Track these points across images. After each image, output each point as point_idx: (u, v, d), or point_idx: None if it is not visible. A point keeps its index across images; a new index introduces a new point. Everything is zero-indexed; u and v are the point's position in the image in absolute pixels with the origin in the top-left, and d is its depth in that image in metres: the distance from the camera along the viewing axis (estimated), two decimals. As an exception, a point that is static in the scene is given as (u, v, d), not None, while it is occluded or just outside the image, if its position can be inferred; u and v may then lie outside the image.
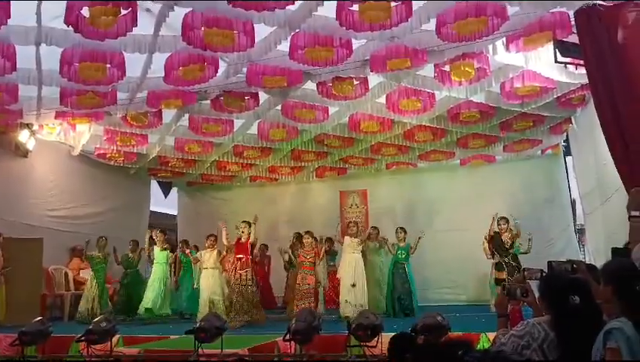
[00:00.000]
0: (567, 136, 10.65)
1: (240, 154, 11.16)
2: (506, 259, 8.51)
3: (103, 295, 9.61)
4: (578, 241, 11.44)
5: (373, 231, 9.78)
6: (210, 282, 9.08)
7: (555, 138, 10.82)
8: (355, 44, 6.60)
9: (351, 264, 8.88)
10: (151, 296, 9.33)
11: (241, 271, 8.57)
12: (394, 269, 9.47)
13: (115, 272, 10.36)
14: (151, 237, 10.12)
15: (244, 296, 8.46)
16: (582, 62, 5.92)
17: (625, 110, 5.18)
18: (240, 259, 8.65)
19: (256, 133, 9.82)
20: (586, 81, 6.52)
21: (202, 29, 5.96)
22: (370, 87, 7.94)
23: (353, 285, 8.62)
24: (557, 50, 6.11)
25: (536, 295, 3.11)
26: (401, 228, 9.68)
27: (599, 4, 5.44)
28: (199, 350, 5.17)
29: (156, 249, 9.75)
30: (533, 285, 3.21)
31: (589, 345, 2.36)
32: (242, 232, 8.73)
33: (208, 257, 9.28)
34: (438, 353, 1.66)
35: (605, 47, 5.32)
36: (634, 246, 2.49)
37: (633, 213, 2.57)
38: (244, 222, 8.85)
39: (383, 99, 8.51)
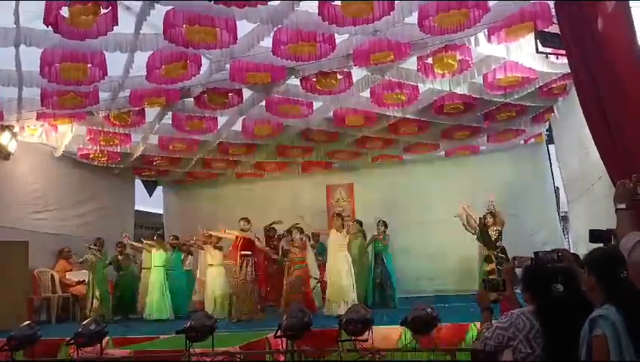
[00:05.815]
0: (549, 125, 10.74)
1: (225, 151, 11.11)
2: (495, 252, 8.60)
3: (104, 297, 9.65)
4: (562, 229, 11.56)
5: (354, 226, 9.67)
6: (216, 279, 9.13)
7: (538, 127, 10.90)
8: (338, 38, 6.60)
9: (340, 263, 8.59)
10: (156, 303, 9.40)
11: (241, 267, 8.64)
12: (375, 261, 9.75)
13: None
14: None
15: (244, 292, 8.56)
16: (563, 51, 5.97)
17: (607, 97, 5.20)
18: (244, 255, 8.69)
19: (241, 129, 9.79)
20: (567, 70, 6.58)
21: (184, 26, 5.92)
22: (354, 81, 7.93)
23: (345, 285, 8.49)
24: (538, 41, 6.15)
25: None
26: (382, 221, 9.84)
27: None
28: (190, 349, 5.17)
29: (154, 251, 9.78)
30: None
31: (574, 333, 2.38)
32: (242, 229, 8.75)
33: (214, 254, 9.28)
34: None
35: (586, 36, 5.35)
36: (621, 238, 2.50)
37: (619, 206, 2.57)
38: (243, 219, 8.86)
39: (367, 93, 8.52)
